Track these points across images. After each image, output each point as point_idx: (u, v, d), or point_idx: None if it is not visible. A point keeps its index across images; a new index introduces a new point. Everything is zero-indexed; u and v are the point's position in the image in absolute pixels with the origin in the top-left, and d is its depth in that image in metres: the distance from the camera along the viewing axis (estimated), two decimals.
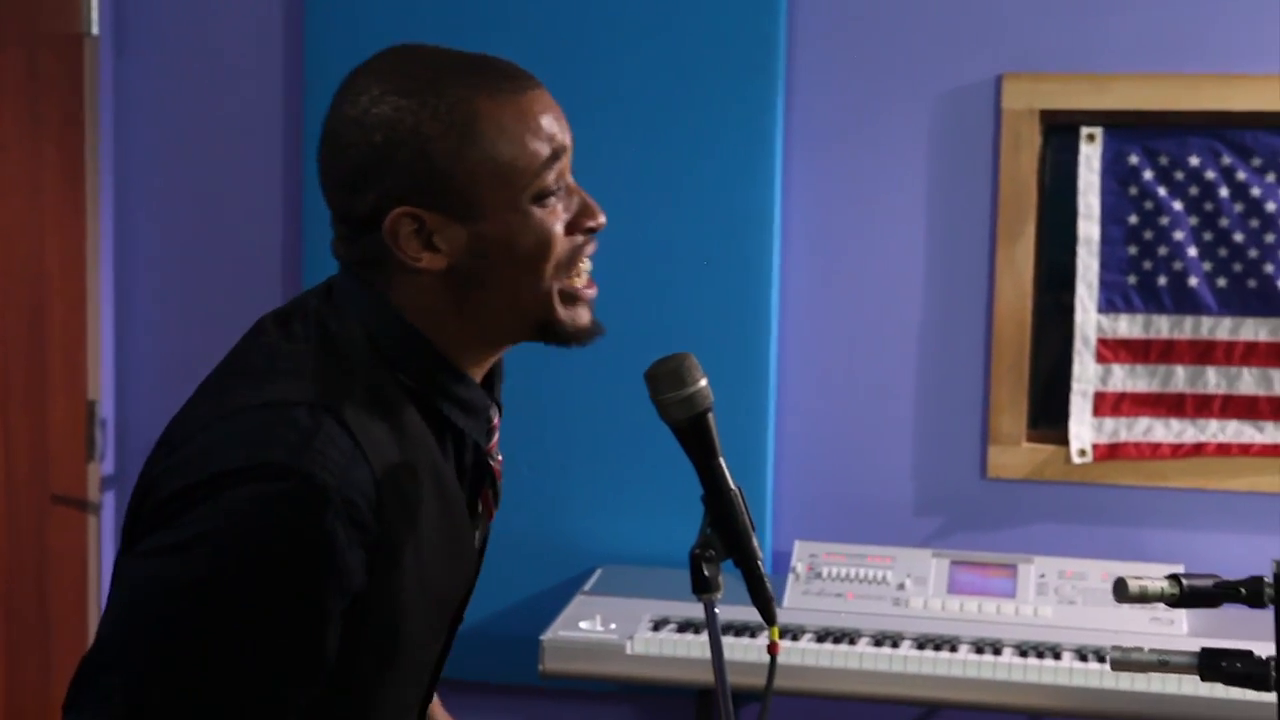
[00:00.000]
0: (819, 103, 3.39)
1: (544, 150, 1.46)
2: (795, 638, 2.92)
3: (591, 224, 1.52)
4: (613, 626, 3.00)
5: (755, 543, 1.55)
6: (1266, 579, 1.85)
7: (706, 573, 1.53)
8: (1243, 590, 1.86)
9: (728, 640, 2.96)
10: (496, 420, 1.59)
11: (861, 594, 3.16)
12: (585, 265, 1.54)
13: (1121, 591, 1.89)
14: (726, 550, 1.54)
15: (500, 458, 1.62)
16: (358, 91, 1.45)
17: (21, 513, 3.29)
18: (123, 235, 3.63)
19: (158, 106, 3.62)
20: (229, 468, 1.36)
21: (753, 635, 3.02)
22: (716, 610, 1.54)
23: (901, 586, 3.16)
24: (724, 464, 1.55)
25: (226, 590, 1.34)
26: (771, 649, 1.56)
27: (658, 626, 3.01)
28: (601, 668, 2.97)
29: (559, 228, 1.50)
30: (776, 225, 3.36)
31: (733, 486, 1.54)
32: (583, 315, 1.54)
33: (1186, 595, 1.89)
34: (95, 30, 3.43)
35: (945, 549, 3.28)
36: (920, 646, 2.93)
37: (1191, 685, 2.77)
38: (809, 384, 3.43)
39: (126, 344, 3.65)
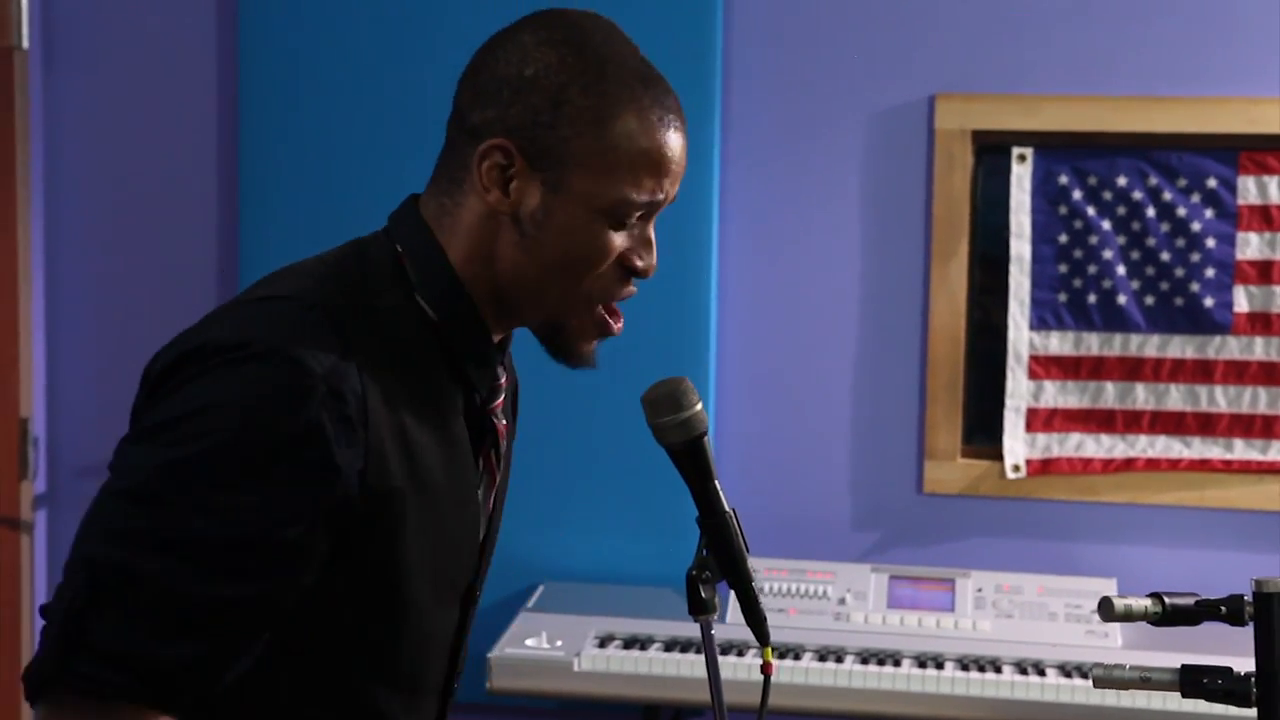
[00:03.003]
0: (754, 121, 3.39)
1: (647, 186, 1.47)
2: (740, 653, 2.93)
3: (640, 265, 1.52)
4: (559, 644, 3.00)
5: (749, 565, 1.54)
6: (1246, 597, 1.85)
7: (703, 594, 1.53)
8: (1223, 609, 1.87)
9: (673, 656, 2.98)
10: (503, 381, 1.58)
11: (803, 609, 3.16)
12: (622, 295, 1.55)
13: (1107, 611, 1.88)
14: (721, 572, 1.54)
15: (505, 423, 1.61)
16: (539, 29, 1.48)
17: None
18: (53, 251, 3.59)
19: (89, 120, 3.57)
20: (217, 342, 1.37)
21: (693, 652, 3.00)
22: (713, 631, 1.54)
23: (842, 601, 3.17)
24: (719, 486, 1.54)
25: (211, 468, 1.35)
26: (765, 668, 1.55)
27: (604, 643, 3.01)
28: (549, 685, 2.98)
29: (614, 251, 1.49)
30: (713, 244, 3.35)
31: (728, 509, 1.54)
32: (591, 345, 1.55)
33: (1169, 614, 1.88)
34: (25, 44, 3.41)
35: (884, 564, 3.29)
36: (863, 661, 2.95)
37: (1130, 699, 2.79)
38: (747, 401, 3.44)
39: (59, 360, 3.60)
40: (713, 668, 1.54)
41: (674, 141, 1.49)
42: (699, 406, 1.53)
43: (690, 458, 1.54)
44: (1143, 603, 1.88)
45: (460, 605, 1.58)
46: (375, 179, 3.17)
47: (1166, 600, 1.88)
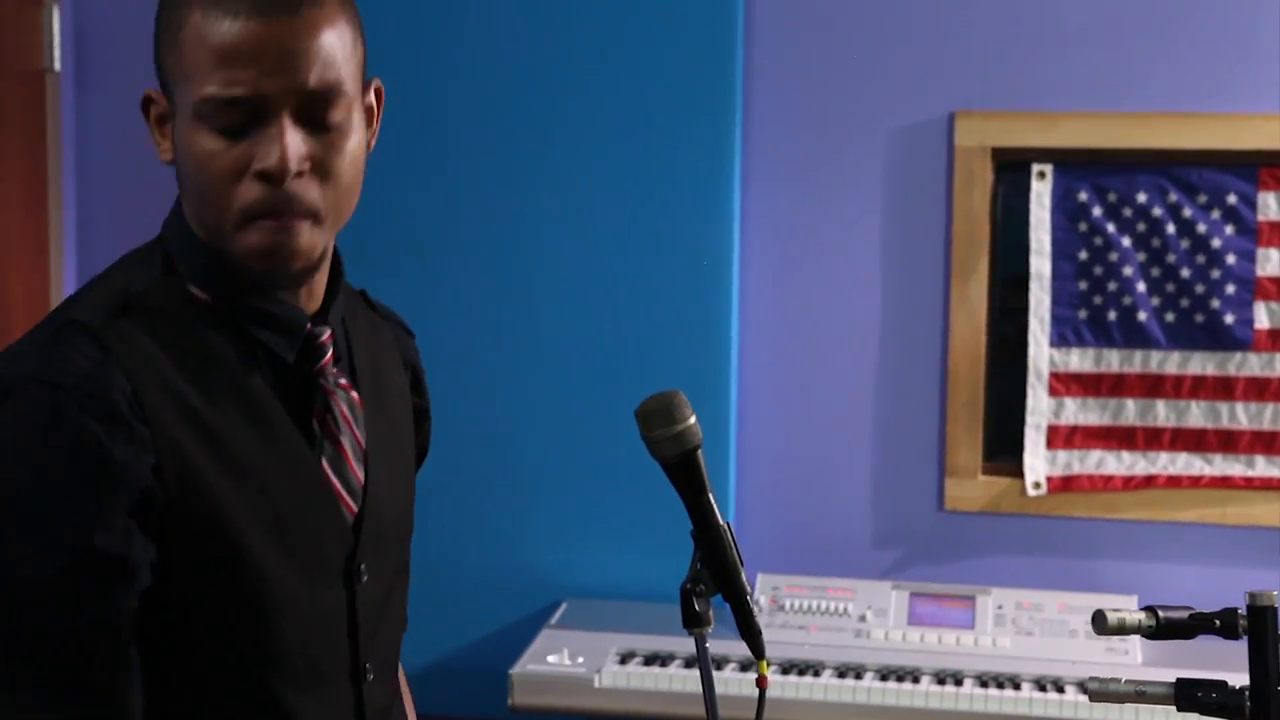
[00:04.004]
0: (776, 138, 3.39)
1: (219, 79, 1.38)
2: (746, 669, 2.93)
3: (260, 166, 1.40)
4: (580, 660, 3.01)
5: (744, 578, 1.54)
6: (1240, 611, 1.83)
7: (698, 607, 1.54)
8: (1218, 622, 1.83)
9: (693, 673, 2.94)
10: (327, 338, 1.51)
11: (824, 626, 3.16)
12: (267, 204, 1.43)
13: (1100, 623, 1.84)
14: (716, 585, 1.54)
15: (345, 382, 1.54)
16: None
17: None
18: (85, 264, 3.58)
19: (119, 139, 3.54)
20: None
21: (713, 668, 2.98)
22: (708, 645, 1.54)
23: (863, 619, 3.16)
24: (713, 500, 1.54)
25: (3, 516, 1.35)
26: (760, 682, 1.55)
27: (625, 660, 3.02)
28: (570, 701, 2.98)
29: (220, 158, 1.40)
30: (735, 260, 3.35)
31: (721, 522, 1.54)
32: (266, 260, 1.43)
33: (1163, 627, 1.85)
34: (57, 66, 3.44)
35: (904, 581, 3.29)
36: (883, 678, 2.95)
37: (1149, 714, 2.78)
38: (768, 419, 3.43)
39: None
40: (707, 681, 1.54)
41: (245, 30, 1.38)
42: (693, 420, 1.52)
43: (683, 471, 1.53)
44: (1136, 616, 1.84)
45: (345, 584, 1.52)
46: (381, 182, 3.18)
47: (1160, 614, 1.85)
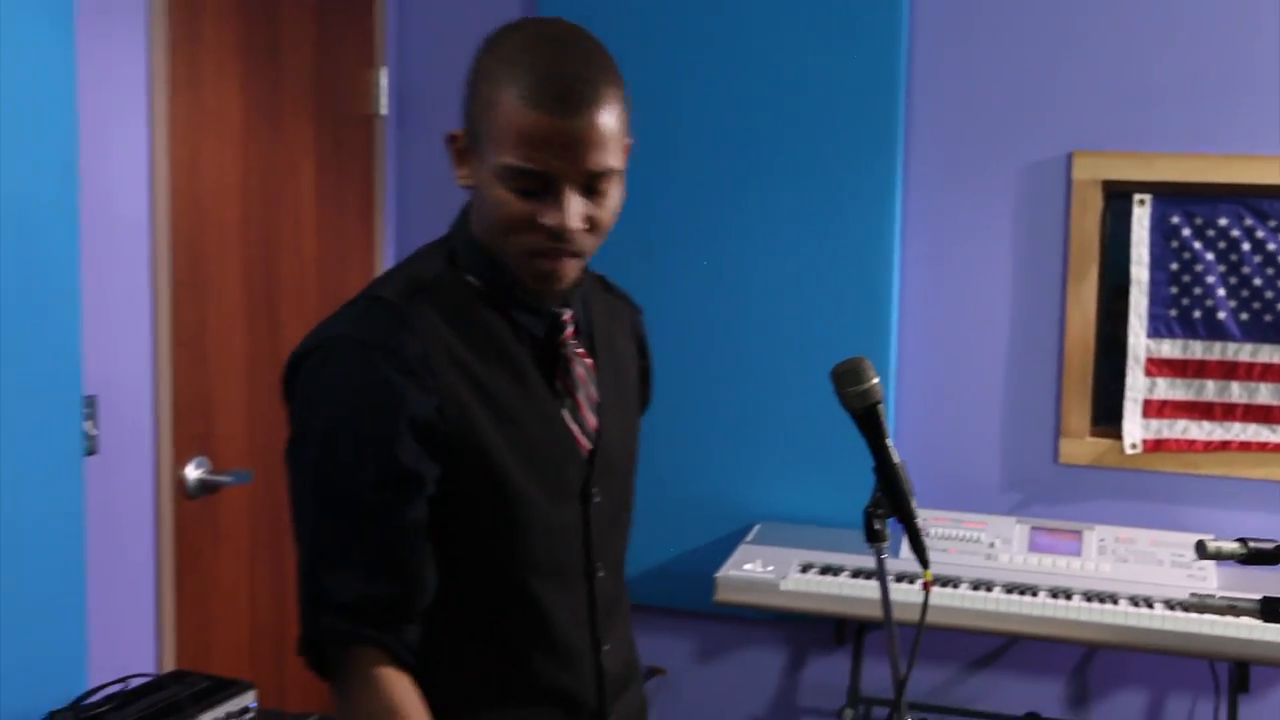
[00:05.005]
0: (931, 168, 3.41)
1: (523, 154, 1.40)
2: (910, 582, 2.95)
3: (547, 223, 1.43)
4: (770, 568, 3.05)
5: (914, 505, 1.56)
6: None
7: (877, 526, 1.57)
8: None
9: (858, 581, 3.01)
10: (568, 317, 1.54)
11: (961, 550, 3.16)
12: (553, 252, 1.46)
13: (1201, 550, 1.95)
14: (892, 510, 1.56)
15: (581, 351, 1.57)
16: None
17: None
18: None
19: (429, 169, 3.58)
20: (301, 351, 1.46)
21: (875, 579, 2.76)
22: (884, 556, 1.57)
23: (992, 546, 3.17)
24: (891, 444, 1.56)
25: (334, 445, 1.40)
26: (925, 587, 1.60)
27: (805, 569, 3.05)
28: (761, 599, 3.03)
29: (514, 210, 1.43)
30: (895, 263, 3.37)
31: (897, 461, 1.56)
32: (544, 286, 1.49)
33: (1251, 554, 1.97)
34: (384, 111, 3.52)
35: (1026, 517, 3.29)
36: (1008, 591, 2.96)
37: (1218, 628, 2.80)
38: (921, 389, 3.42)
39: None
40: (884, 586, 1.56)
41: (546, 122, 1.38)
42: (876, 380, 1.55)
43: (868, 420, 1.55)
44: (1231, 545, 1.97)
45: (580, 502, 1.55)
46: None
47: (1250, 543, 1.97)
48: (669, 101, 3.40)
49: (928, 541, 1.61)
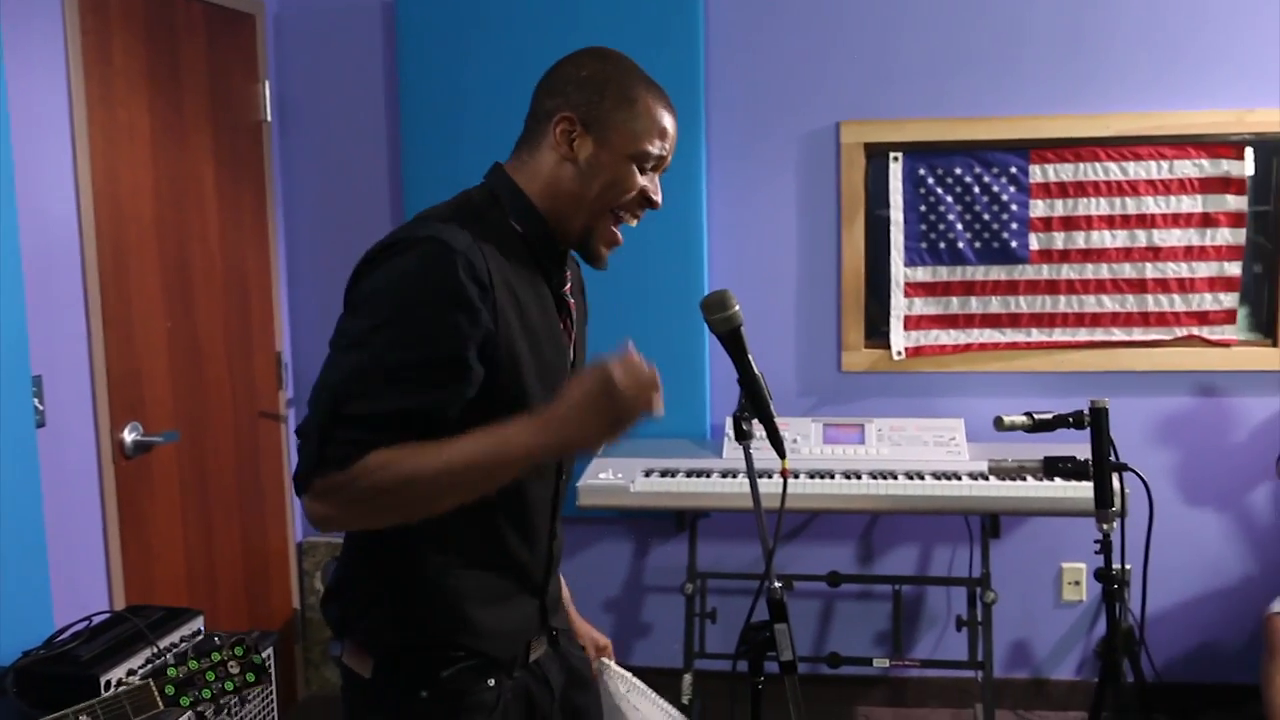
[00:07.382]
0: (728, 141, 3.43)
1: (656, 144, 1.48)
2: (734, 476, 3.00)
3: (655, 198, 1.51)
4: (620, 475, 3.09)
5: (772, 408, 1.58)
6: (1084, 411, 1.99)
7: (745, 428, 1.61)
8: (1070, 419, 2.00)
9: (692, 480, 3.03)
10: (568, 274, 1.58)
11: (768, 446, 2.86)
12: (634, 217, 1.52)
13: (999, 424, 2.04)
14: (755, 413, 1.59)
15: (573, 301, 1.60)
16: (586, 53, 1.53)
17: (243, 423, 3.36)
18: (292, 248, 3.63)
19: (309, 166, 3.58)
20: (386, 242, 1.41)
21: (703, 477, 2.99)
22: (752, 453, 1.61)
23: (795, 441, 3.25)
24: (752, 359, 1.58)
25: (401, 317, 1.34)
26: (783, 473, 1.60)
27: (648, 474, 3.10)
28: (615, 501, 3.05)
29: (637, 184, 1.50)
30: (704, 218, 3.39)
31: (758, 374, 1.58)
32: (607, 250, 1.53)
33: (1037, 424, 2.04)
34: (269, 118, 3.48)
35: (819, 416, 3.40)
36: (810, 477, 3.03)
37: (965, 490, 2.82)
38: None
39: (298, 316, 3.63)
40: (751, 476, 1.58)
41: (670, 120, 1.51)
42: (737, 308, 1.57)
43: (732, 341, 1.57)
44: (1020, 418, 2.04)
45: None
46: None
47: (1034, 416, 2.04)
48: (486, 92, 3.32)
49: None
